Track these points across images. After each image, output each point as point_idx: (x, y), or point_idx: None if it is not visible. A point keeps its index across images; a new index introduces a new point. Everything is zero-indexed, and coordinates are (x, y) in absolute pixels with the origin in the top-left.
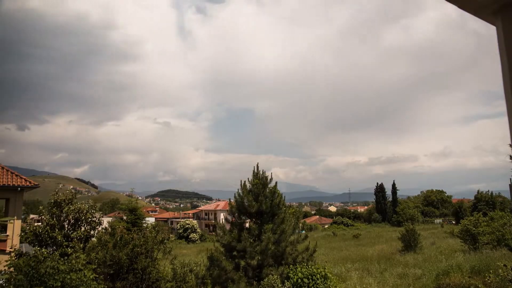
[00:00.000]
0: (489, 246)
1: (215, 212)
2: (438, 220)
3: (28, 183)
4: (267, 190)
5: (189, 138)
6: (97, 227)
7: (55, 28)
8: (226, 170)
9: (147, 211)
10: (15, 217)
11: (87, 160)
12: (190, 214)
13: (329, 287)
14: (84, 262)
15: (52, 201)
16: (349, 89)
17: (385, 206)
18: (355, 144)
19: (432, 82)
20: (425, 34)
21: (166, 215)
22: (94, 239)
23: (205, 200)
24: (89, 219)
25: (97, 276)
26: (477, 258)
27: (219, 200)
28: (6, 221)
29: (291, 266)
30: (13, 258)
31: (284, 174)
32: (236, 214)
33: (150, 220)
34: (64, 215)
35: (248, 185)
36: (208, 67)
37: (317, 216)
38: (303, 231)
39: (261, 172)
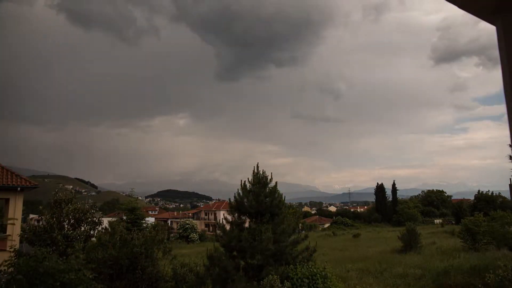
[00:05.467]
0: (489, 246)
1: (215, 212)
2: (438, 220)
3: (28, 183)
4: (267, 190)
5: None
6: (97, 227)
7: None
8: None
9: (147, 211)
10: (15, 218)
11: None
12: (190, 214)
13: (329, 287)
14: (83, 262)
15: (52, 200)
16: None
17: (385, 206)
18: None
19: None
20: None
21: (166, 215)
22: (93, 239)
23: (205, 200)
24: (89, 219)
25: (97, 275)
26: (477, 258)
27: (219, 200)
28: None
29: (291, 266)
30: (13, 258)
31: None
32: (236, 214)
33: (150, 220)
34: (64, 214)
35: (248, 185)
36: None
37: (317, 216)
38: (303, 231)
39: (261, 172)
